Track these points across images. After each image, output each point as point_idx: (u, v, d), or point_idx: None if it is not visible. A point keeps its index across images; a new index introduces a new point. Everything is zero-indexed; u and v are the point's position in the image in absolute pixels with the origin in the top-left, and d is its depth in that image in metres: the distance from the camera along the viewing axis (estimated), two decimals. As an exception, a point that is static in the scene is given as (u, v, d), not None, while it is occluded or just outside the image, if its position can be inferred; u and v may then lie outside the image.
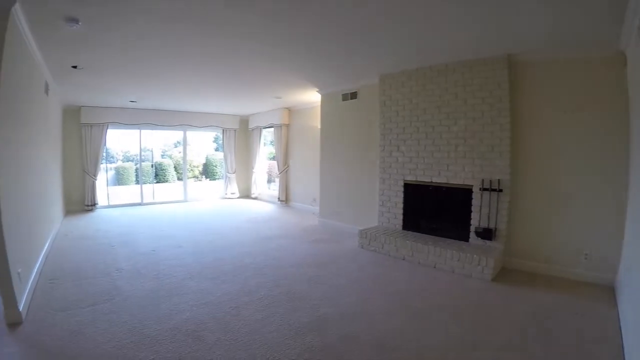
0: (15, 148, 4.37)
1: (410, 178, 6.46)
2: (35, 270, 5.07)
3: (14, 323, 3.71)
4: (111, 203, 12.55)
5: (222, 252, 6.44)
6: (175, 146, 22.14)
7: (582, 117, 4.86)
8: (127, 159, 20.91)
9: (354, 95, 7.84)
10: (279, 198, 12.07)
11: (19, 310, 3.78)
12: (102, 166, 13.61)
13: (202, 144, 22.62)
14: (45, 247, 6.27)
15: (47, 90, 6.82)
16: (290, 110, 11.65)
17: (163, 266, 5.66)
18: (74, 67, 6.52)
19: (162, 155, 21.94)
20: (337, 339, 3.45)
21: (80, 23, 4.47)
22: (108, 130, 11.67)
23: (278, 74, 7.25)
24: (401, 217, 6.64)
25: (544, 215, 5.20)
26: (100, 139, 11.38)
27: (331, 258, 6.09)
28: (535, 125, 5.24)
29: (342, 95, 8.08)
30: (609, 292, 4.48)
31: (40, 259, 5.57)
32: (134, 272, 5.42)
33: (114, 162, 20.29)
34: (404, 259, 5.90)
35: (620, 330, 3.50)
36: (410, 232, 6.43)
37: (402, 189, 6.59)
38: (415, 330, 3.63)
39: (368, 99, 7.46)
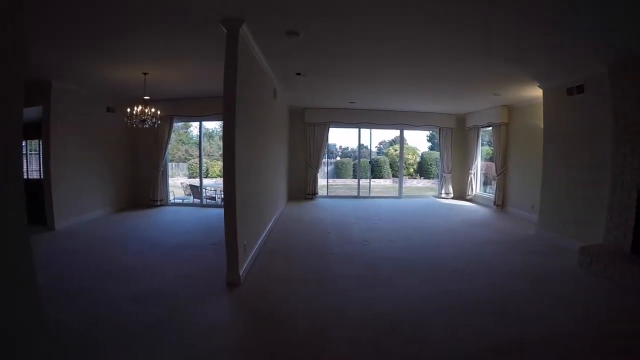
0: (248, 143, 5.35)
1: (648, 188, 5.21)
2: (258, 244, 6.15)
3: (232, 284, 4.64)
4: (330, 194, 13.95)
5: (432, 251, 6.41)
6: (391, 144, 22.60)
7: None
8: (345, 155, 22.26)
9: (580, 89, 6.68)
10: (494, 202, 11.21)
11: (239, 273, 4.68)
12: (326, 160, 14.88)
13: (417, 142, 22.71)
14: (269, 226, 7.42)
15: (275, 95, 8.04)
16: (510, 108, 10.67)
17: (372, 257, 5.98)
18: (298, 74, 7.34)
19: (378, 153, 22.67)
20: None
21: (300, 35, 4.97)
22: (330, 129, 12.88)
23: (494, 68, 6.74)
24: (631, 236, 5.36)
25: None
26: (322, 137, 12.71)
27: (543, 274, 5.35)
28: None
29: (567, 89, 6.97)
30: None
31: (263, 235, 6.69)
32: (344, 258, 5.91)
33: (333, 158, 21.76)
34: (629, 289, 4.72)
35: None
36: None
37: (634, 202, 5.34)
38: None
39: (598, 91, 6.23)
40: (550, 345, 3.33)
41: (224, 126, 4.67)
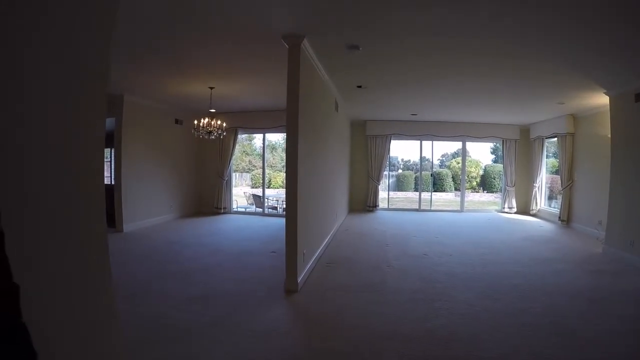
0: (309, 154, 5.59)
1: None
2: (317, 254, 6.32)
3: (291, 290, 4.81)
4: (390, 206, 14.00)
5: (492, 267, 6.26)
6: (453, 157, 22.24)
7: None
8: (407, 168, 22.18)
9: (649, 96, 6.36)
10: (559, 217, 10.71)
11: (297, 281, 4.86)
12: (387, 172, 14.95)
13: (481, 155, 22.19)
14: (328, 237, 7.59)
15: (337, 108, 8.27)
16: (575, 117, 10.26)
17: (430, 271, 5.95)
18: (359, 86, 7.53)
19: (441, 166, 22.38)
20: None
21: (360, 49, 5.16)
22: (391, 141, 13.01)
23: (558, 75, 6.54)
24: None
25: None
26: (384, 149, 12.83)
27: (608, 294, 5.04)
28: None
29: (635, 95, 6.62)
30: None
31: (322, 246, 6.84)
32: (402, 271, 5.93)
33: (395, 171, 21.71)
34: None
35: None
36: None
37: None
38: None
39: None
40: None
41: (287, 138, 4.92)
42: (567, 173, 10.49)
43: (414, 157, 15.75)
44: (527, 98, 8.67)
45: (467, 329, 3.89)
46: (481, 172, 21.75)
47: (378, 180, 12.86)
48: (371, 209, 12.78)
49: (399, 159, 23.38)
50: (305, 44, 4.90)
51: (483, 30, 4.58)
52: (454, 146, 19.82)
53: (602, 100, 7.92)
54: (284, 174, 5.19)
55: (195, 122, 8.33)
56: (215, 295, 4.68)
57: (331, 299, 4.67)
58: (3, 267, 0.68)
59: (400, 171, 22.44)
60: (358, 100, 9.14)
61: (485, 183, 21.17)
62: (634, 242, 6.60)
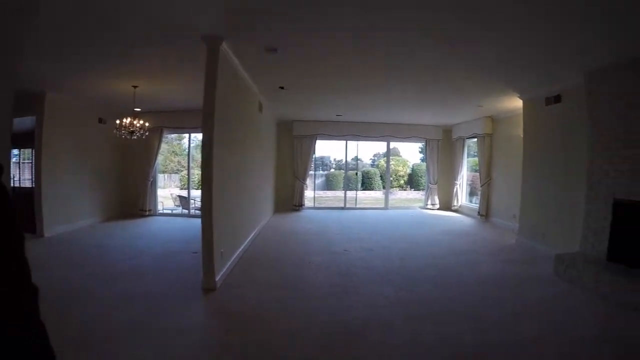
0: (228, 154, 5.54)
1: (622, 197, 5.27)
2: (238, 252, 6.26)
3: (209, 289, 4.79)
4: (318, 205, 14.09)
5: (410, 260, 6.49)
6: (384, 156, 22.77)
7: None
8: (339, 167, 22.50)
9: (558, 99, 6.85)
10: (479, 212, 11.36)
11: (215, 279, 4.82)
12: (313, 172, 15.00)
13: (410, 154, 22.78)
14: (251, 236, 7.51)
15: (260, 108, 8.20)
16: (494, 119, 10.87)
17: (350, 266, 6.07)
18: (281, 87, 7.46)
19: (372, 164, 22.81)
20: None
21: (278, 51, 5.19)
22: (317, 141, 13.08)
23: (477, 79, 6.89)
24: (607, 243, 5.44)
25: None
26: (309, 149, 12.80)
27: (518, 282, 5.47)
28: None
29: (545, 99, 7.12)
30: None
31: (244, 245, 6.79)
32: (322, 267, 6.02)
33: (327, 170, 21.88)
34: (602, 296, 4.79)
35: None
36: (615, 264, 5.17)
37: (610, 209, 5.43)
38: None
39: (575, 101, 6.38)
40: (515, 350, 3.42)
41: (202, 138, 4.87)
42: (486, 171, 11.11)
43: (347, 157, 15.92)
44: (448, 101, 9.08)
45: (380, 319, 4.04)
46: (409, 171, 22.41)
47: (304, 179, 12.91)
48: (297, 208, 12.80)
49: (332, 159, 23.62)
50: (225, 45, 4.88)
51: (399, 38, 4.79)
52: (385, 146, 20.33)
53: (517, 103, 8.44)
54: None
55: (118, 121, 7.94)
56: (137, 297, 4.57)
57: (250, 296, 4.68)
58: (26, 268, 0.71)
59: (333, 170, 22.67)
60: (282, 101, 9.11)
61: (413, 181, 21.87)
62: (545, 234, 7.12)
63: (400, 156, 22.99)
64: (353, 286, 5.09)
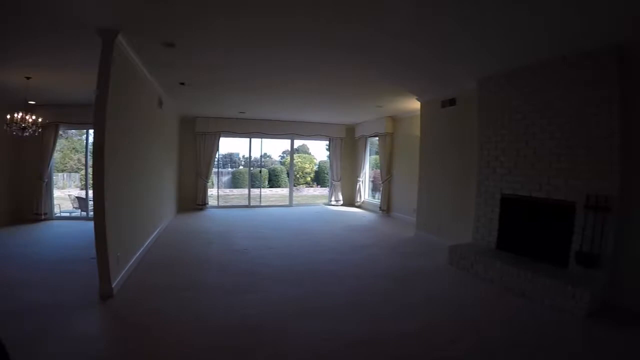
0: (123, 151, 5.15)
1: (507, 192, 5.85)
2: (137, 256, 5.92)
3: (106, 296, 4.48)
4: (223, 204, 13.87)
5: (309, 256, 6.57)
6: (295, 153, 22.83)
7: None
8: (248, 165, 22.23)
9: (452, 102, 7.40)
10: (380, 207, 11.89)
11: (111, 286, 4.52)
12: (221, 170, 14.71)
13: (318, 151, 23.02)
14: (151, 238, 7.13)
15: (160, 104, 7.79)
16: (394, 119, 11.42)
17: (250, 265, 6.02)
18: (182, 83, 7.19)
19: (280, 162, 22.82)
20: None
21: (176, 46, 5.01)
22: (223, 138, 12.84)
23: (376, 82, 7.13)
24: (495, 234, 6.03)
25: None
26: (213, 146, 12.45)
27: (415, 273, 5.80)
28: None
29: (441, 102, 7.67)
30: None
31: (143, 248, 6.43)
32: (223, 267, 5.89)
33: (236, 167, 21.53)
34: (492, 282, 5.32)
35: None
36: (503, 252, 5.79)
37: (497, 203, 6.00)
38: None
39: (467, 105, 6.96)
40: (405, 340, 3.63)
41: (94, 134, 4.47)
42: (387, 168, 11.67)
43: (256, 154, 15.74)
44: (350, 102, 9.38)
45: (275, 317, 4.08)
46: (315, 168, 22.73)
47: (207, 177, 12.53)
48: (201, 207, 12.41)
49: (240, 156, 23.27)
50: (121, 39, 4.63)
51: (298, 45, 4.94)
52: (295, 143, 20.40)
53: (416, 105, 8.91)
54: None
55: (8, 116, 7.07)
56: (28, 307, 4.14)
57: (147, 300, 4.48)
58: None
59: (241, 167, 22.36)
60: (184, 97, 8.79)
61: (319, 178, 22.23)
62: (440, 227, 7.66)
63: (309, 153, 23.28)
64: (252, 285, 5.07)
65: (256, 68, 6.16)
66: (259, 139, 13.67)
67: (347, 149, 14.14)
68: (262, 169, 18.95)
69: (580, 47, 4.63)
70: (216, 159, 13.39)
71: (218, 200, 13.95)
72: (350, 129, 14.04)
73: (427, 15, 3.94)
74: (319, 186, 21.93)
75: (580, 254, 4.72)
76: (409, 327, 3.89)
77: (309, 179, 22.45)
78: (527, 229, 5.59)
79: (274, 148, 24.91)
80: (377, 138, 12.28)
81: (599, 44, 4.47)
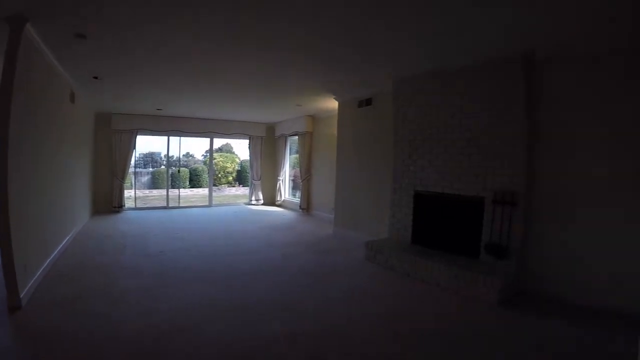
0: (30, 152, 4.73)
1: (421, 188, 6.08)
2: (47, 263, 5.49)
3: (14, 307, 4.08)
4: (141, 205, 13.11)
5: (226, 257, 6.42)
6: (216, 151, 22.25)
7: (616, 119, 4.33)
8: (170, 164, 21.42)
9: (369, 102, 7.55)
10: (300, 206, 11.91)
11: (19, 296, 4.15)
12: (141, 170, 13.97)
13: (240, 151, 22.69)
14: (63, 243, 6.66)
15: (72, 99, 7.24)
16: (314, 118, 11.48)
17: (166, 268, 5.77)
18: (95, 77, 6.76)
19: (203, 161, 22.25)
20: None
21: (87, 37, 4.69)
22: (140, 137, 12.17)
23: (294, 81, 7.09)
24: (410, 229, 6.25)
25: (563, 233, 4.65)
26: (130, 145, 11.69)
27: (332, 270, 5.84)
28: (556, 132, 4.74)
29: (358, 102, 7.80)
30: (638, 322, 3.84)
31: (54, 254, 5.97)
32: (137, 271, 5.60)
33: (157, 167, 20.62)
34: (408, 275, 5.50)
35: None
36: (418, 246, 6.04)
37: (412, 199, 6.21)
38: (393, 355, 3.30)
39: (383, 105, 7.16)
40: (321, 335, 3.64)
41: None
42: (306, 166, 11.70)
43: (177, 153, 15.10)
44: (269, 100, 9.27)
45: (189, 319, 3.95)
46: (237, 167, 22.39)
47: (123, 178, 11.68)
48: (117, 209, 11.56)
49: (162, 155, 22.25)
50: (29, 28, 4.23)
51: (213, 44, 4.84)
52: (217, 142, 19.69)
53: (335, 104, 8.97)
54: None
55: None
56: None
57: (59, 310, 4.13)
58: None
59: (163, 167, 21.45)
60: (98, 92, 8.16)
61: (242, 177, 21.90)
62: (358, 224, 7.84)
63: (233, 152, 22.86)
64: (165, 288, 4.86)
65: (172, 63, 5.88)
66: (177, 137, 13.03)
67: (268, 147, 13.99)
68: (182, 168, 18.30)
69: (490, 53, 4.93)
70: (135, 158, 12.68)
71: (135, 201, 13.11)
72: (271, 128, 13.92)
73: (350, 17, 3.97)
74: (241, 186, 21.58)
75: (490, 246, 5.07)
76: (325, 322, 3.92)
77: (230, 178, 22.05)
78: (441, 224, 5.87)
79: (197, 147, 24.05)
80: (297, 137, 12.28)
81: (510, 52, 4.79)
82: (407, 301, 4.63)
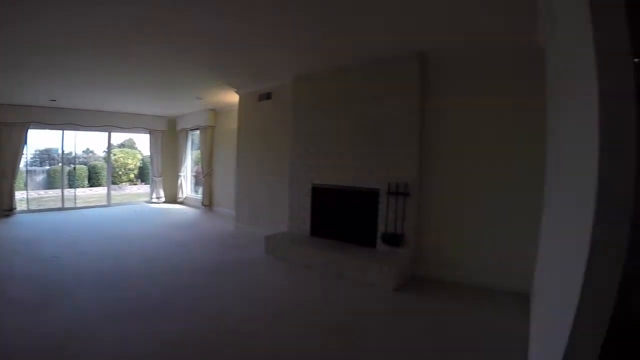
0: None
1: (318, 182, 6.19)
2: None
3: None
4: (35, 207, 11.82)
5: (124, 259, 6.06)
6: (118, 147, 20.96)
7: (493, 116, 4.70)
8: (68, 162, 19.72)
9: (269, 96, 7.53)
10: (202, 203, 11.65)
11: None
12: (35, 168, 12.73)
13: (143, 146, 21.64)
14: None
15: None
16: (216, 112, 11.25)
17: (58, 274, 5.30)
18: None
19: (103, 158, 20.89)
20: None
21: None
22: (32, 131, 10.95)
23: (193, 73, 6.88)
24: (309, 222, 6.36)
25: (454, 221, 4.99)
26: (20, 140, 10.44)
27: (232, 265, 5.75)
28: (444, 126, 5.05)
29: (259, 95, 7.75)
30: (523, 300, 4.18)
31: None
32: (28, 278, 5.11)
33: (54, 165, 18.86)
34: (309, 267, 5.57)
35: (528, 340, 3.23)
36: (317, 239, 6.17)
37: (310, 192, 6.31)
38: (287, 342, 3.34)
39: (282, 99, 7.18)
40: (221, 331, 3.60)
41: None
42: (208, 162, 11.46)
43: (76, 149, 13.91)
44: (169, 92, 8.94)
45: (82, 327, 3.67)
46: (140, 164, 21.33)
47: (14, 177, 10.45)
48: (8, 212, 10.29)
49: (60, 151, 20.45)
50: None
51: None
52: (119, 137, 18.38)
53: (236, 97, 8.78)
54: None
55: None
56: None
57: None
58: None
59: (60, 165, 19.71)
60: None
61: (144, 175, 20.89)
62: (259, 219, 7.79)
63: (136, 148, 21.70)
64: (60, 294, 4.48)
65: (64, 55, 5.50)
66: (73, 132, 12.03)
67: (169, 142, 13.42)
68: (80, 166, 17.02)
69: (385, 53, 5.20)
70: (28, 156, 11.36)
71: (28, 203, 11.78)
72: (172, 122, 13.37)
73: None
74: (143, 183, 20.59)
75: (385, 235, 5.32)
76: (223, 320, 3.85)
77: (132, 175, 20.97)
78: (339, 216, 6.03)
79: (98, 143, 22.51)
80: (198, 131, 11.97)
81: (406, 52, 5.09)
82: (302, 291, 4.69)
